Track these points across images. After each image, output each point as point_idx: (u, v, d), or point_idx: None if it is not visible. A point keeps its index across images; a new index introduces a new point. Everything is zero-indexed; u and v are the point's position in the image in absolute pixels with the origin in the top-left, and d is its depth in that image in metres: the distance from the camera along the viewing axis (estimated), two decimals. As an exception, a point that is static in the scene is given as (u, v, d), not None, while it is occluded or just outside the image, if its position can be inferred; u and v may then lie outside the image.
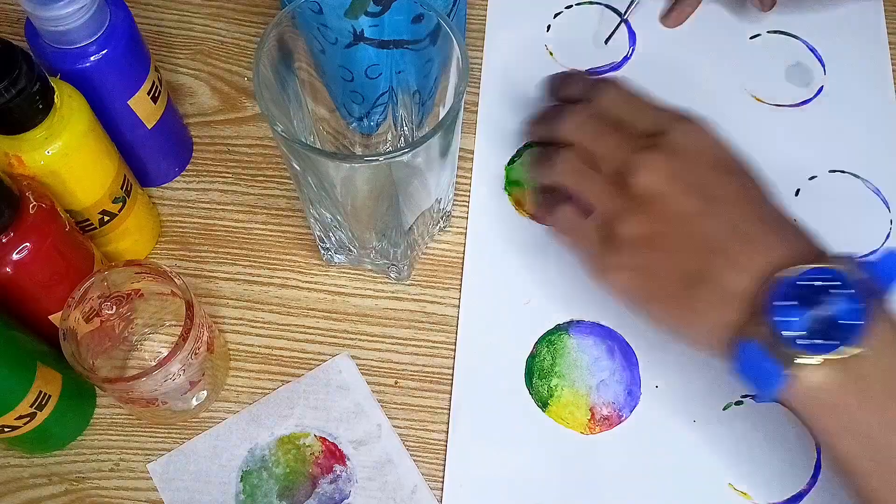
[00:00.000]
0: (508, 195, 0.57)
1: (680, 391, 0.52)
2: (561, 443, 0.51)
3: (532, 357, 0.53)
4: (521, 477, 0.50)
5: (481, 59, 0.62)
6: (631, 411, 0.51)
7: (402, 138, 0.54)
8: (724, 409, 0.52)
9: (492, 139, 0.59)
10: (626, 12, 0.63)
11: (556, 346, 0.53)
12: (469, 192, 0.58)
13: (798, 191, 0.58)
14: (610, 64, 0.62)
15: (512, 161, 0.59)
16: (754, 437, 0.51)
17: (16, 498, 0.49)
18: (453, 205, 0.56)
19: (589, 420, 0.51)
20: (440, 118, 0.46)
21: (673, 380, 0.52)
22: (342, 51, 0.48)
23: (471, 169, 0.58)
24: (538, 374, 0.52)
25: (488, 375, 0.52)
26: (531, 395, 0.52)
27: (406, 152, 0.42)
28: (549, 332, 0.53)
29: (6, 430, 0.45)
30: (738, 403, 0.52)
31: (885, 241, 0.56)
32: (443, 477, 0.50)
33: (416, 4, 0.45)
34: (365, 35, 0.47)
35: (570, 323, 0.54)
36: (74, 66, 0.46)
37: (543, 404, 0.52)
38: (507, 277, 0.55)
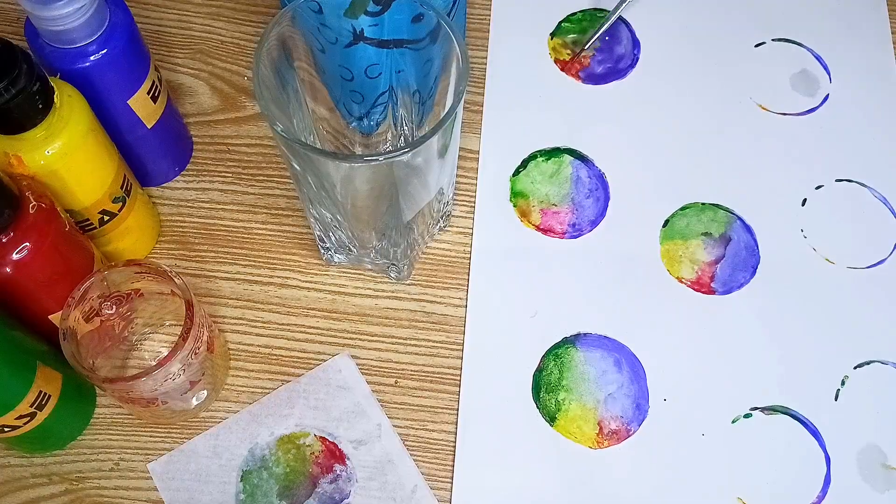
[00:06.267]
0: (514, 206, 0.57)
1: (688, 404, 0.51)
2: (569, 458, 0.50)
3: (539, 371, 0.52)
4: (529, 493, 0.49)
5: (485, 58, 0.62)
6: (639, 425, 0.51)
7: (402, 138, 0.54)
8: (732, 422, 0.51)
9: (497, 146, 0.59)
10: (616, 8, 0.62)
11: (563, 359, 0.53)
12: (473, 192, 0.57)
13: (805, 200, 0.57)
14: (614, 72, 0.62)
15: (517, 172, 0.58)
16: (763, 450, 0.50)
17: (16, 498, 0.49)
18: (454, 204, 0.56)
19: (597, 434, 0.51)
20: (440, 118, 0.46)
21: (681, 393, 0.52)
22: (342, 50, 0.48)
23: (474, 169, 0.58)
24: (545, 388, 0.52)
25: (495, 391, 0.52)
26: (539, 409, 0.51)
27: (406, 152, 0.42)
28: (556, 346, 0.53)
29: (6, 429, 0.45)
30: (746, 416, 0.51)
31: (893, 250, 0.56)
32: (445, 477, 0.50)
33: (415, 4, 0.45)
34: (365, 34, 0.47)
35: (577, 336, 0.53)
36: (74, 65, 0.46)
37: (551, 419, 0.51)
38: (512, 290, 0.54)
